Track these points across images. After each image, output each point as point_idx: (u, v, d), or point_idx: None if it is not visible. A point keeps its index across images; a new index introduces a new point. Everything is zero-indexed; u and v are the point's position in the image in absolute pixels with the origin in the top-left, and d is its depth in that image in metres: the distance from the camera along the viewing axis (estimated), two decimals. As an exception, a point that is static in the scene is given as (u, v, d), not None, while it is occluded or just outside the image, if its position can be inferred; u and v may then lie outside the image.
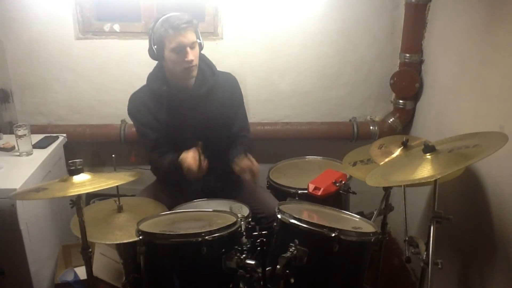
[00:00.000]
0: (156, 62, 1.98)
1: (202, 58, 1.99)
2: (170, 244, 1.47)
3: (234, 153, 1.94)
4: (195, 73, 1.90)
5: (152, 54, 1.89)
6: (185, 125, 1.96)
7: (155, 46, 1.85)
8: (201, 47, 1.92)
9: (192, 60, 1.84)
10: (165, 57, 1.86)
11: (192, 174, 1.81)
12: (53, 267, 2.13)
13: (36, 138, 2.22)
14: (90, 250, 1.56)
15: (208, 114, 1.98)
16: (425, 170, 1.37)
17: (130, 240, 1.56)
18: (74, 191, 1.42)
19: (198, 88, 1.95)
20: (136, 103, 2.00)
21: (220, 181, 2.04)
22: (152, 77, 1.99)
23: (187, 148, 1.86)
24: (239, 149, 1.95)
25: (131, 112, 2.02)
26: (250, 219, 1.79)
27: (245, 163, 1.87)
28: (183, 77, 1.90)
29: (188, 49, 1.82)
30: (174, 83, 1.94)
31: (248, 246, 1.55)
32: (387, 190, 1.82)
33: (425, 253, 1.47)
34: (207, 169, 1.84)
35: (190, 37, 1.83)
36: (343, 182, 1.97)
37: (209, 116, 1.98)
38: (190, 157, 1.81)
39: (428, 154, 1.44)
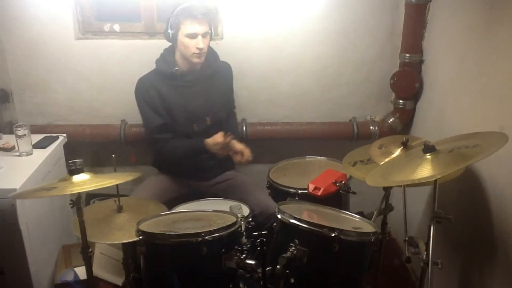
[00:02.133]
0: (162, 49, 2.15)
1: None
2: (170, 244, 1.47)
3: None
4: (203, 59, 2.07)
5: (167, 36, 2.04)
6: (194, 104, 2.12)
7: (172, 31, 2.01)
8: (211, 37, 2.09)
9: (202, 48, 2.01)
10: (178, 40, 2.02)
11: (219, 149, 2.06)
12: (53, 267, 2.13)
13: (36, 138, 2.22)
14: (90, 250, 1.56)
15: (210, 96, 2.16)
16: (425, 170, 1.37)
17: (130, 240, 1.55)
18: (76, 189, 1.41)
19: (203, 70, 2.12)
20: (146, 85, 2.11)
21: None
22: (160, 61, 2.14)
23: (194, 126, 2.13)
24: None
25: (140, 93, 2.12)
26: (250, 219, 1.80)
27: (239, 146, 2.07)
28: (192, 61, 2.05)
29: (200, 37, 1.99)
30: (182, 66, 2.09)
31: (248, 246, 1.56)
32: (387, 190, 1.82)
33: (425, 253, 1.47)
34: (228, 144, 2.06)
35: (205, 27, 2.00)
36: (343, 182, 1.97)
37: (211, 98, 2.16)
38: (218, 137, 2.04)
39: (428, 154, 1.44)
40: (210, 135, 2.09)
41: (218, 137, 2.04)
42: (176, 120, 2.12)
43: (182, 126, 2.13)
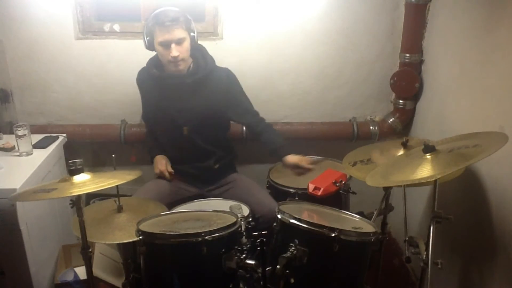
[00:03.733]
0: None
1: (200, 50, 2.09)
2: (170, 244, 1.47)
3: (271, 144, 2.18)
4: (181, 67, 2.00)
5: (145, 44, 2.01)
6: (174, 108, 2.08)
7: (147, 38, 1.98)
8: (194, 40, 2.00)
9: (176, 56, 1.93)
10: (155, 49, 1.99)
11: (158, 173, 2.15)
12: (53, 267, 2.13)
13: (36, 138, 2.22)
14: (90, 250, 1.56)
15: (198, 101, 2.07)
16: (425, 170, 1.37)
17: (130, 240, 1.55)
18: (76, 191, 1.42)
19: (189, 76, 2.04)
20: (139, 78, 2.19)
21: (218, 163, 2.19)
22: (150, 61, 2.12)
23: (176, 132, 2.09)
24: (277, 143, 2.18)
25: (138, 84, 2.21)
26: (250, 219, 1.80)
27: (293, 161, 2.10)
28: (170, 68, 2.01)
29: (173, 45, 1.92)
30: (167, 69, 2.05)
31: (248, 246, 1.55)
32: (387, 190, 1.81)
33: (425, 253, 1.47)
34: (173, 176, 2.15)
35: (177, 33, 1.92)
36: (343, 182, 1.97)
37: (199, 104, 2.07)
38: (160, 166, 2.14)
39: (428, 154, 1.44)
40: (187, 145, 2.13)
41: (161, 164, 2.14)
42: (157, 121, 2.16)
43: (164, 129, 2.15)
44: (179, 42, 1.92)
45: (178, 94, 2.06)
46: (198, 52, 2.07)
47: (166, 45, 1.92)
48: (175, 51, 1.92)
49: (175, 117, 2.08)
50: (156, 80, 2.06)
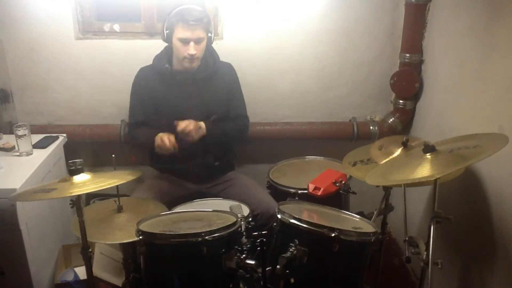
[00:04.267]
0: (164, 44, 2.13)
1: (208, 47, 2.11)
2: (170, 244, 1.47)
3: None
4: (195, 64, 2.05)
5: (163, 36, 2.04)
6: (182, 105, 2.09)
7: (167, 31, 2.01)
8: (210, 41, 2.07)
9: (193, 54, 1.98)
10: (173, 42, 2.02)
11: (163, 150, 1.99)
12: (53, 267, 2.13)
13: (36, 138, 2.22)
14: (90, 250, 1.56)
15: (206, 98, 2.12)
16: (425, 170, 1.37)
17: (130, 240, 1.55)
18: (76, 191, 1.42)
19: (198, 72, 2.08)
20: (141, 77, 2.16)
21: (218, 160, 2.19)
22: (157, 57, 2.14)
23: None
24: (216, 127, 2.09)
25: (134, 83, 2.18)
26: (250, 219, 1.80)
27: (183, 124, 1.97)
28: (183, 64, 2.04)
29: (192, 43, 1.97)
30: (177, 65, 2.09)
31: (248, 246, 1.56)
32: (387, 190, 1.82)
33: (425, 253, 1.47)
34: (176, 148, 1.98)
35: (198, 33, 1.97)
36: (343, 182, 1.97)
37: (207, 100, 2.12)
38: (163, 138, 1.96)
39: (428, 154, 1.44)
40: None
41: (167, 140, 1.95)
42: (161, 118, 2.11)
43: (165, 125, 2.09)
44: (198, 41, 1.98)
45: (187, 89, 2.09)
46: (206, 49, 2.09)
47: (186, 41, 1.97)
48: (193, 49, 1.97)
49: (182, 112, 2.08)
50: (164, 76, 2.08)
